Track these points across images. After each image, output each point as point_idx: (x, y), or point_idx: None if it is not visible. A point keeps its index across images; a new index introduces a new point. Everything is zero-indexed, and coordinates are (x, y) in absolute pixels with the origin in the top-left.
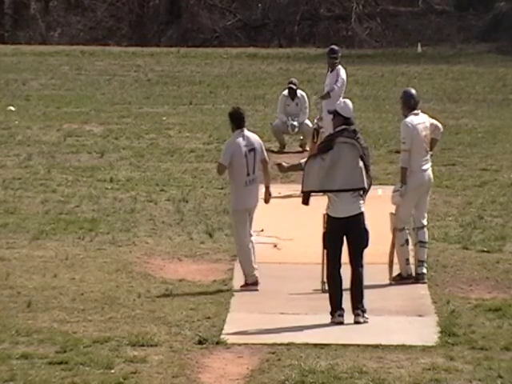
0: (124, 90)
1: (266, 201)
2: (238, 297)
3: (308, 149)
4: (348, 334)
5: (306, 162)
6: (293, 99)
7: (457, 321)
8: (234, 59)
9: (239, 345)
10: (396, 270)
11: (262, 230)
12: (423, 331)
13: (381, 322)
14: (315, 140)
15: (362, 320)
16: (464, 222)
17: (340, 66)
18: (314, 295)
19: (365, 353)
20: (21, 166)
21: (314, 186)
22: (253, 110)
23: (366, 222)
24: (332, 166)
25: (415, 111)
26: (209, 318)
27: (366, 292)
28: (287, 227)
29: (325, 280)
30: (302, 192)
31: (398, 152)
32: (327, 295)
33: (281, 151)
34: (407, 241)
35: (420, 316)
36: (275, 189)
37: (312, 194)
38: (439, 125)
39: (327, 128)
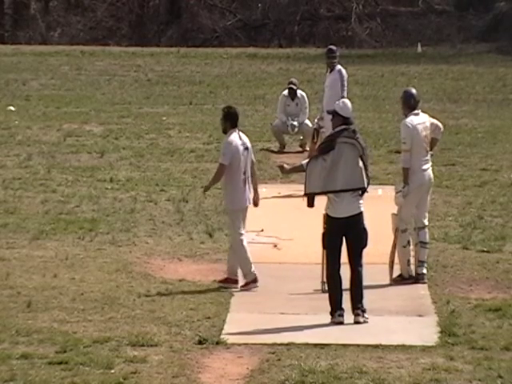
0: (124, 90)
1: (256, 204)
2: (237, 297)
3: (308, 149)
4: (348, 334)
5: (307, 163)
6: (293, 99)
7: (457, 321)
8: (234, 59)
9: (239, 345)
10: (396, 271)
11: (262, 230)
12: (423, 331)
13: (381, 322)
14: (315, 140)
15: (361, 320)
16: (464, 222)
17: (340, 66)
18: (314, 295)
19: (365, 353)
20: (21, 166)
21: (317, 187)
22: (253, 109)
23: (365, 222)
24: (333, 167)
25: (415, 111)
26: (209, 318)
27: (365, 292)
28: (287, 227)
29: (325, 280)
30: (305, 194)
31: (397, 152)
32: (327, 295)
33: (281, 151)
34: (409, 242)
35: (420, 316)
36: (275, 189)
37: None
38: (439, 124)
39: (328, 128)
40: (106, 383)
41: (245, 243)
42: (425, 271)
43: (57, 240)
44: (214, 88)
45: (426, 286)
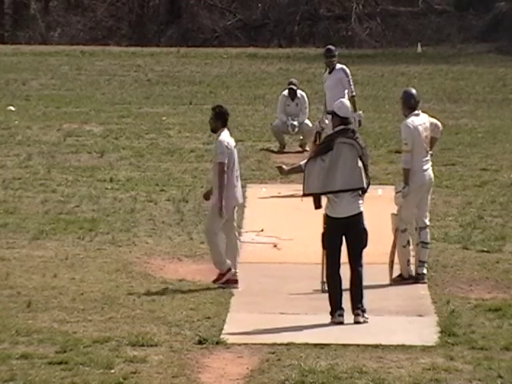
0: (124, 90)
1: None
2: (237, 297)
3: (308, 149)
4: (348, 334)
5: (305, 163)
6: (293, 99)
7: (457, 321)
8: (234, 59)
9: (239, 345)
10: (396, 271)
11: (262, 230)
12: (423, 331)
13: (381, 322)
14: (317, 142)
15: (361, 320)
16: (464, 222)
17: (340, 65)
18: (313, 295)
19: (365, 353)
20: (21, 165)
21: (316, 188)
22: (253, 110)
23: (365, 222)
24: (331, 167)
25: (416, 111)
26: (209, 317)
27: (365, 292)
28: (287, 227)
29: (325, 280)
30: (304, 195)
31: (397, 152)
32: (327, 295)
33: (281, 151)
34: (409, 242)
35: (420, 316)
36: (275, 189)
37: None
38: (439, 123)
39: (329, 129)
40: (105, 383)
41: (218, 238)
42: (425, 271)
43: (57, 240)
44: (214, 88)
45: (425, 286)
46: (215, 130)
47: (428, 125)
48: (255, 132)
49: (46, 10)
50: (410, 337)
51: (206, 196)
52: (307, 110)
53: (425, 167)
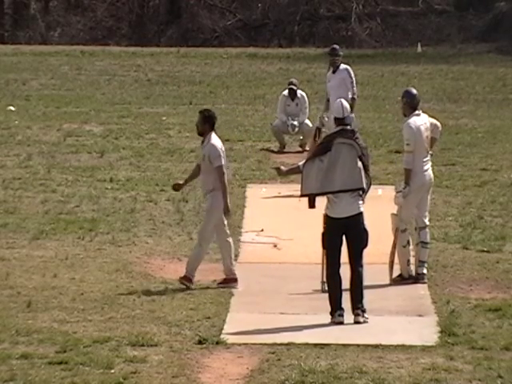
0: (124, 90)
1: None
2: (237, 297)
3: (308, 149)
4: (348, 333)
5: (303, 164)
6: (293, 99)
7: (457, 321)
8: (234, 59)
9: (239, 345)
10: (396, 271)
11: (262, 230)
12: (423, 331)
13: (381, 322)
14: (316, 139)
15: (361, 320)
16: (464, 222)
17: (344, 65)
18: (313, 295)
19: (365, 353)
20: (21, 165)
21: (314, 189)
22: (253, 110)
23: (366, 222)
24: (330, 168)
25: (417, 112)
26: (209, 317)
27: (365, 292)
28: (287, 227)
29: (325, 280)
30: (302, 196)
31: (397, 152)
32: (327, 295)
33: (281, 151)
34: (409, 242)
35: (420, 316)
36: (275, 189)
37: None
38: (438, 124)
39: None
40: (106, 383)
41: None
42: (425, 271)
43: (57, 240)
44: (214, 88)
45: (425, 286)
46: (202, 134)
47: (428, 125)
48: (255, 132)
49: (46, 10)
50: (410, 337)
51: (175, 187)
52: (307, 110)
53: (425, 167)
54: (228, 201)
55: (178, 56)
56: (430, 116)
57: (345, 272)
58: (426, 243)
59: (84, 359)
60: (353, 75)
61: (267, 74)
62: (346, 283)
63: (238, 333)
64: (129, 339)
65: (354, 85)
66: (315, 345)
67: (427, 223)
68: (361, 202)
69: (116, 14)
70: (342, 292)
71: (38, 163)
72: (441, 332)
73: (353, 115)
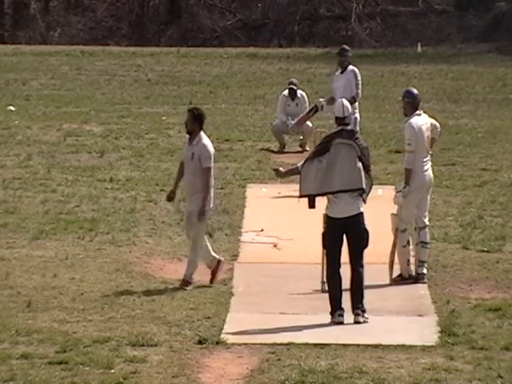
0: (124, 90)
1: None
2: (237, 297)
3: (308, 149)
4: (348, 333)
5: (302, 165)
6: (293, 99)
7: (457, 321)
8: (234, 59)
9: (239, 345)
10: (396, 271)
11: (262, 230)
12: (423, 331)
13: (381, 322)
14: (311, 113)
15: (361, 320)
16: (464, 222)
17: (352, 67)
18: (313, 295)
19: (365, 353)
20: (21, 165)
21: (313, 189)
22: (253, 109)
23: (366, 222)
24: (329, 168)
25: (418, 111)
26: (209, 317)
27: (366, 292)
28: (287, 227)
29: (325, 280)
30: (300, 196)
31: (397, 152)
32: (327, 295)
33: (281, 151)
34: (409, 242)
35: (420, 316)
36: (275, 189)
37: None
38: (437, 124)
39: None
40: (106, 383)
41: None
42: (425, 271)
43: (57, 240)
44: (214, 88)
45: (425, 285)
46: (191, 133)
47: (429, 125)
48: (255, 132)
49: (46, 10)
50: (410, 337)
51: (170, 197)
52: (307, 110)
53: (425, 167)
54: (206, 204)
55: (177, 56)
56: (430, 116)
57: (345, 272)
58: (426, 243)
59: (84, 359)
60: (359, 77)
61: (267, 73)
62: (346, 283)
63: (237, 333)
64: (129, 339)
65: (359, 87)
66: (315, 345)
67: (427, 223)
68: (361, 202)
69: (116, 14)
70: (342, 292)
71: (38, 163)
72: (441, 332)
73: (322, 99)
